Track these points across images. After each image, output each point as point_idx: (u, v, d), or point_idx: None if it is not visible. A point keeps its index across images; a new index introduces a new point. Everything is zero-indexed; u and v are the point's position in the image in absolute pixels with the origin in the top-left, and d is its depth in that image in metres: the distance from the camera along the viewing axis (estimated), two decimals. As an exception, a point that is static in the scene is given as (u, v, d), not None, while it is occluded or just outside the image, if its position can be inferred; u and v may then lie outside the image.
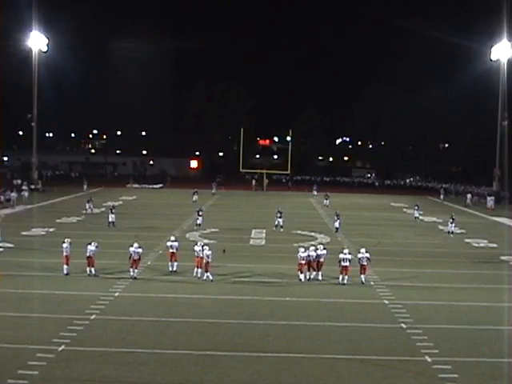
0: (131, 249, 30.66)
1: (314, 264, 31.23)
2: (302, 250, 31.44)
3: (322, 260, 31.41)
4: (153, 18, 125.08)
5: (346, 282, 30.70)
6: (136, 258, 30.68)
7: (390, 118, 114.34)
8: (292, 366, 19.80)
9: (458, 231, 51.19)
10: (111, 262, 32.07)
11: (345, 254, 31.02)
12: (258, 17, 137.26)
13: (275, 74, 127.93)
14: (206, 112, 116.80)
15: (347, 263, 30.82)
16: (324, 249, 31.87)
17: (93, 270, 30.95)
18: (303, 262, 31.01)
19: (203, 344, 21.51)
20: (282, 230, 49.50)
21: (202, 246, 31.31)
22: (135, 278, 30.61)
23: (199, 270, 31.13)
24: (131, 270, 30.75)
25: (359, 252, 31.25)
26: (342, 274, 30.88)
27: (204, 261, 30.74)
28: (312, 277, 31.25)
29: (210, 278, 30.61)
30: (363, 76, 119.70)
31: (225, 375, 18.92)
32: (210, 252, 30.89)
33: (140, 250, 30.80)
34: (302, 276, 31.05)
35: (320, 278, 31.38)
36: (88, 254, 30.79)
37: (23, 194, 65.24)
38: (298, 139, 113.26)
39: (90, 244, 31.00)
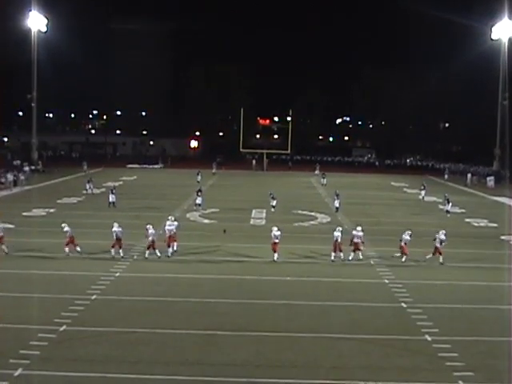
0: (114, 229, 30.82)
1: (340, 245, 31.32)
2: (276, 228, 31.46)
3: (356, 240, 31.45)
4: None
5: (360, 257, 31.43)
6: (120, 236, 30.83)
7: (389, 98, 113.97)
8: (292, 345, 19.86)
9: (458, 211, 51.19)
10: (112, 242, 32.00)
11: (358, 231, 31.43)
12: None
13: (275, 53, 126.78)
14: (206, 92, 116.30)
15: (359, 240, 31.28)
16: (362, 230, 31.85)
17: (121, 251, 30.92)
18: (277, 240, 31.05)
19: (203, 323, 21.56)
20: (272, 210, 48.94)
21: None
22: (114, 257, 30.71)
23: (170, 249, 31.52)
24: (113, 250, 30.90)
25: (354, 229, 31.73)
26: (354, 251, 31.41)
27: (150, 239, 30.88)
28: (342, 257, 31.33)
29: (159, 254, 30.97)
30: (363, 56, 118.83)
31: (225, 354, 18.98)
32: (154, 231, 31.23)
33: (121, 229, 30.95)
34: (276, 255, 31.09)
35: (351, 257, 31.52)
36: (116, 236, 30.82)
37: (23, 175, 65.11)
38: (297, 119, 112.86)
39: (113, 226, 31.05)
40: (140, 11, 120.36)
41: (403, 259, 31.23)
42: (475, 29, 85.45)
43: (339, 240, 31.35)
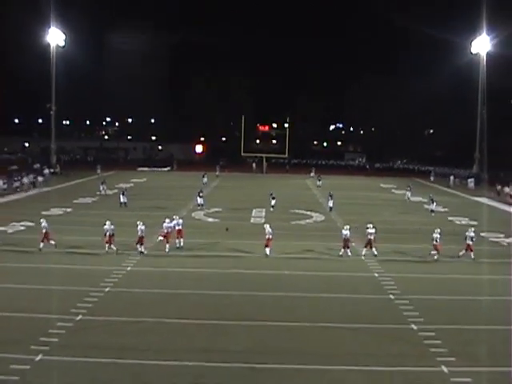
0: (105, 227, 30.97)
1: (348, 242, 31.39)
2: (268, 226, 31.50)
3: (369, 237, 31.38)
4: (158, 13, 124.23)
5: (376, 253, 31.37)
6: (111, 233, 30.92)
7: (380, 106, 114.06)
8: (290, 334, 19.88)
9: (442, 210, 51.21)
10: (123, 239, 32.01)
11: (369, 227, 31.46)
12: (254, 4, 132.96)
13: (272, 64, 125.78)
14: (208, 99, 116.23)
15: (372, 236, 31.23)
16: (373, 227, 31.78)
17: (113, 246, 30.91)
18: (270, 236, 31.01)
19: (209, 314, 21.58)
20: (271, 209, 48.89)
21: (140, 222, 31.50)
22: (117, 252, 30.75)
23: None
24: (106, 246, 30.90)
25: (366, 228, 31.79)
26: (366, 247, 31.43)
27: (139, 234, 30.91)
28: (343, 253, 31.38)
29: (144, 251, 30.97)
30: (354, 68, 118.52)
31: (229, 342, 19.00)
32: (143, 227, 31.06)
33: (113, 227, 31.09)
34: (267, 250, 31.00)
35: (364, 252, 31.56)
36: (109, 233, 30.89)
37: (43, 177, 65.11)
38: (294, 125, 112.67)
39: (105, 224, 31.14)
40: (146, 21, 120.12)
41: (435, 256, 31.06)
42: (457, 43, 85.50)
43: (348, 237, 31.39)
